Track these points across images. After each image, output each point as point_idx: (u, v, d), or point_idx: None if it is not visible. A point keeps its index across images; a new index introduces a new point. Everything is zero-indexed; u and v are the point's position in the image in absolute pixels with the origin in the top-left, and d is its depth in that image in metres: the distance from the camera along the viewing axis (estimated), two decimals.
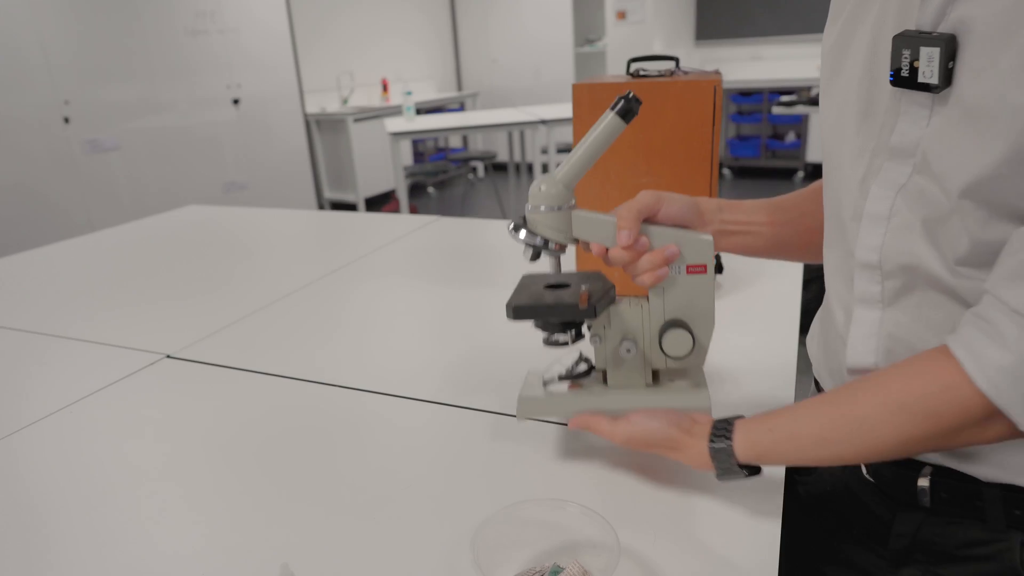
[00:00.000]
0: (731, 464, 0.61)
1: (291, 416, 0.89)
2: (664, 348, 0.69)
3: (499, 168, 7.48)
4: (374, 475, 0.75)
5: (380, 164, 6.11)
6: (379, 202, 6.09)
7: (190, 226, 1.95)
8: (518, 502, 0.63)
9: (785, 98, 5.95)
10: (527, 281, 0.76)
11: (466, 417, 0.86)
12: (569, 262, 1.19)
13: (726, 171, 6.59)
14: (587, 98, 1.15)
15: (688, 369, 0.75)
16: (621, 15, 6.16)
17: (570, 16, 6.87)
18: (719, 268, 1.30)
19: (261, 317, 1.22)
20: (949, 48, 0.49)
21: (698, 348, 0.70)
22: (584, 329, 0.72)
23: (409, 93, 4.69)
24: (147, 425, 0.88)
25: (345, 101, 6.08)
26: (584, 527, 0.62)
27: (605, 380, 0.75)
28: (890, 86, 0.53)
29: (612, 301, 0.71)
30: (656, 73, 1.19)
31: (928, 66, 0.50)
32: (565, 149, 4.94)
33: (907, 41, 0.51)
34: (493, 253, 1.54)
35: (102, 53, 3.77)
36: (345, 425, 0.86)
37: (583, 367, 0.76)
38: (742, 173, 6.57)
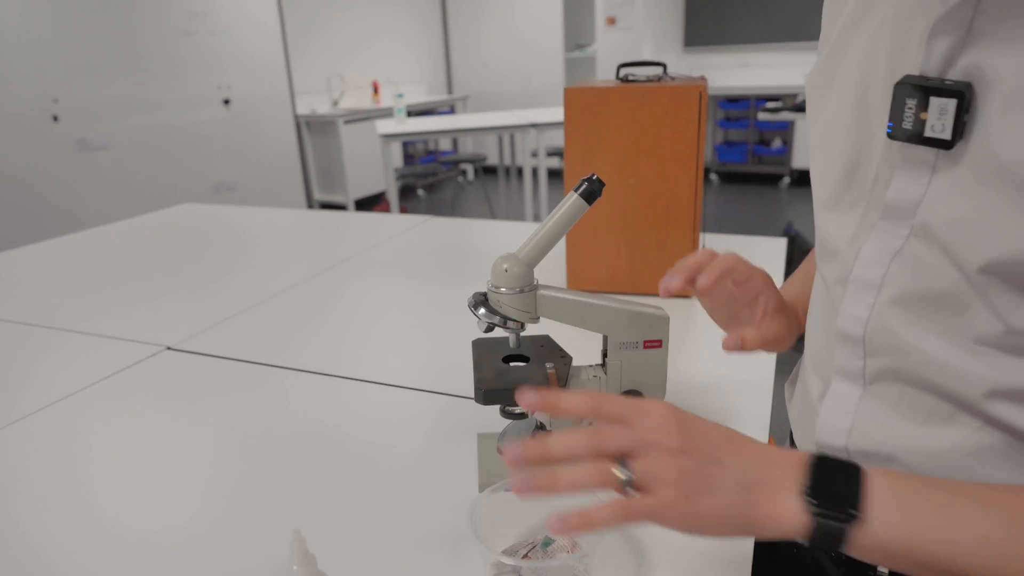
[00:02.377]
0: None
1: (290, 404, 0.92)
2: None
3: (489, 171, 7.52)
4: (372, 456, 0.78)
5: (370, 166, 6.13)
6: (368, 204, 6.10)
7: (185, 224, 1.97)
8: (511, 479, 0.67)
9: (771, 104, 6.04)
10: (481, 352, 0.76)
11: (457, 404, 0.89)
12: (557, 276, 1.23)
13: (713, 176, 6.67)
14: (579, 101, 1.18)
15: None
16: (611, 21, 6.22)
17: (560, 21, 6.94)
18: None
19: (259, 311, 1.25)
20: (965, 100, 0.42)
21: None
22: None
23: (401, 95, 4.71)
24: (150, 412, 0.91)
25: (336, 103, 6.09)
26: (574, 503, 0.66)
27: None
28: (884, 136, 0.47)
29: (572, 374, 0.72)
30: (645, 78, 1.23)
31: (939, 120, 0.43)
32: (555, 152, 4.98)
33: (912, 90, 0.44)
34: (482, 252, 1.58)
35: (93, 51, 3.77)
36: (344, 411, 0.89)
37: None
38: (729, 178, 6.65)
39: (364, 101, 6.43)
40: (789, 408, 0.69)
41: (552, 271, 1.21)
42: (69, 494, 0.74)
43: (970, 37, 0.42)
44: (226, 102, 4.58)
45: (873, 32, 0.50)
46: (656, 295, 0.64)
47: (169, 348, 1.11)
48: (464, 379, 0.95)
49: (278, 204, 4.98)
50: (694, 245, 1.21)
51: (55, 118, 3.64)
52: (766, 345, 0.66)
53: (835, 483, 0.43)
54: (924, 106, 0.44)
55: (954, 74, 0.43)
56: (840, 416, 0.54)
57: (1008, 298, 0.42)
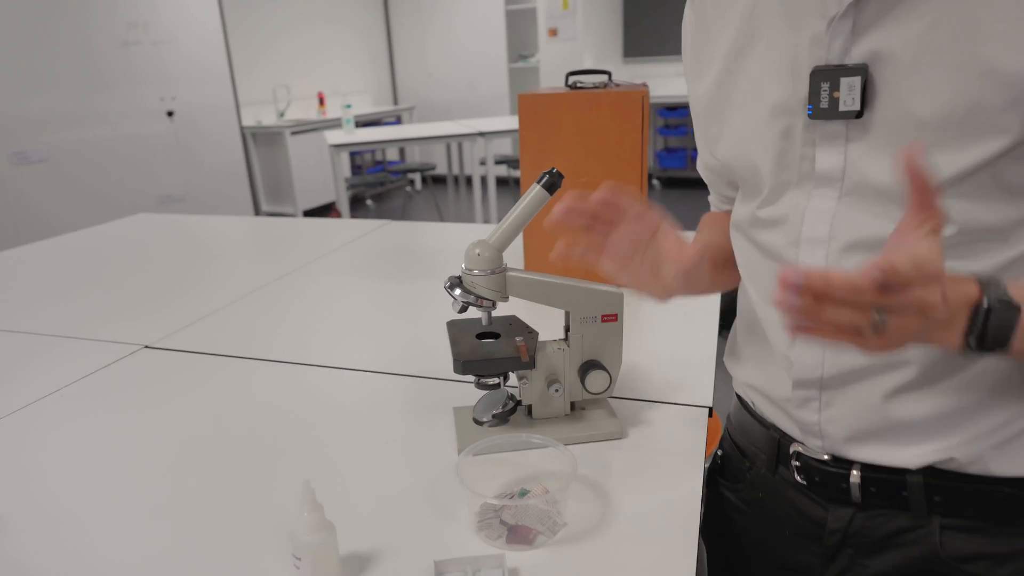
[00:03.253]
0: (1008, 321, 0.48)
1: (276, 391, 0.98)
2: (587, 386, 0.81)
3: (438, 180, 7.58)
4: (356, 433, 0.85)
5: (317, 177, 6.11)
6: (316, 214, 6.08)
7: (144, 232, 1.98)
8: (492, 439, 0.75)
9: None
10: (456, 331, 0.85)
11: (425, 384, 0.97)
12: (516, 257, 1.32)
13: (655, 182, 6.90)
14: (532, 107, 1.28)
15: (600, 400, 0.87)
16: (553, 32, 6.39)
17: (503, 32, 7.07)
18: None
19: (230, 310, 1.30)
20: (867, 75, 0.54)
21: (612, 383, 0.82)
22: (509, 372, 0.81)
23: (349, 106, 4.74)
24: (135, 404, 0.95)
25: (281, 114, 6.06)
26: (548, 462, 0.74)
27: (530, 413, 0.84)
28: (805, 119, 0.57)
29: (539, 347, 0.81)
30: (591, 85, 1.34)
31: (849, 95, 0.55)
32: (503, 160, 5.09)
33: (827, 74, 0.55)
34: (438, 252, 1.65)
35: (30, 62, 3.68)
36: (322, 396, 0.96)
37: (511, 405, 0.83)
38: (670, 183, 6.89)
39: (310, 112, 6.40)
40: (737, 374, 0.78)
41: (512, 263, 1.29)
42: (58, 487, 0.79)
43: (855, 35, 0.55)
44: (170, 113, 4.51)
45: (763, 53, 0.62)
46: (604, 282, 0.73)
47: (147, 347, 1.14)
48: (430, 362, 1.02)
49: (226, 215, 4.92)
50: None
51: None
52: (686, 272, 0.72)
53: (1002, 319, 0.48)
54: (836, 87, 0.56)
55: (851, 60, 0.55)
56: (812, 354, 0.63)
57: (950, 204, 0.51)
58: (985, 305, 0.48)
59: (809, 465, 0.68)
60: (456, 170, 6.82)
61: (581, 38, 6.27)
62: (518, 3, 7.17)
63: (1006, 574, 0.61)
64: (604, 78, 1.37)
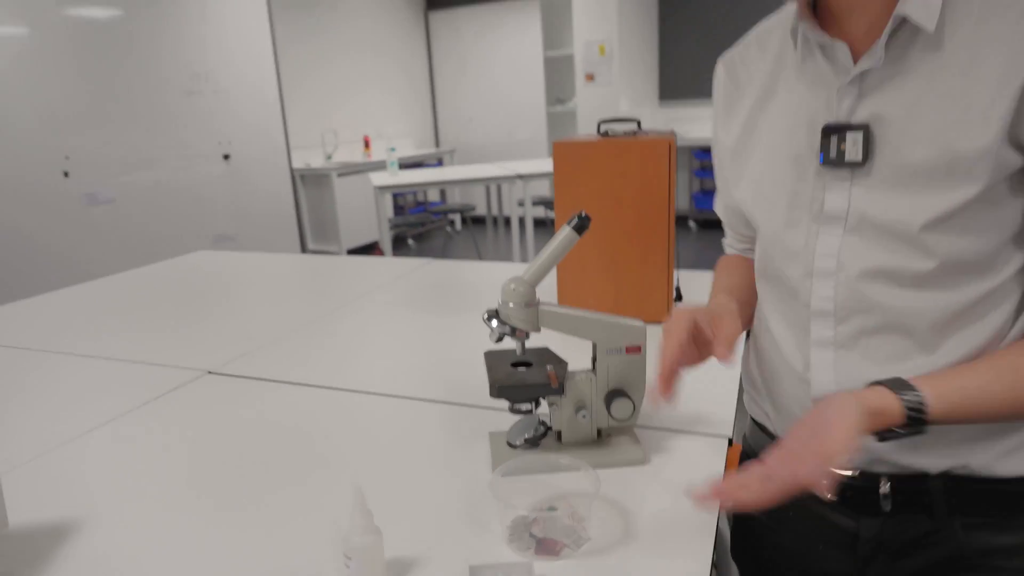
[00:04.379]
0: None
1: (327, 415, 1.06)
2: (612, 413, 0.87)
3: (477, 221, 7.75)
4: (398, 454, 0.93)
5: (361, 217, 6.33)
6: (360, 253, 6.28)
7: (202, 268, 2.12)
8: (523, 458, 0.82)
9: None
10: (493, 360, 0.92)
11: (463, 411, 1.04)
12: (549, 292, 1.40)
13: (691, 223, 6.94)
14: (566, 154, 1.37)
15: (625, 427, 0.93)
16: (590, 77, 6.57)
17: (542, 78, 7.29)
18: (679, 297, 1.52)
19: (283, 341, 1.40)
20: (868, 132, 0.66)
21: (636, 411, 0.88)
22: (542, 399, 0.88)
23: (393, 149, 4.95)
24: (199, 424, 1.05)
25: (329, 157, 6.33)
26: (575, 483, 0.81)
27: (559, 438, 0.90)
28: (817, 167, 0.70)
29: (568, 375, 0.87)
30: (622, 132, 1.43)
31: (853, 147, 0.67)
32: (540, 202, 5.21)
33: (836, 130, 0.68)
34: (477, 289, 1.74)
35: (103, 111, 3.97)
36: (370, 420, 1.04)
37: (542, 430, 0.90)
38: (706, 225, 6.92)
39: (356, 155, 6.67)
40: (757, 400, 0.86)
41: (546, 298, 1.37)
42: (135, 493, 0.88)
43: (860, 99, 0.68)
44: (226, 157, 4.78)
45: (783, 109, 0.74)
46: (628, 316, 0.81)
47: (210, 372, 1.25)
48: (468, 391, 1.10)
49: (275, 253, 5.13)
50: (669, 280, 1.38)
51: (66, 174, 3.81)
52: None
53: (914, 403, 0.62)
54: (842, 140, 0.68)
55: (856, 119, 0.67)
56: (825, 373, 0.73)
57: (937, 239, 0.63)
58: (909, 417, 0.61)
59: (843, 483, 0.75)
60: (495, 211, 6.98)
61: (617, 83, 6.43)
62: (556, 50, 7.40)
63: (1019, 564, 0.69)
64: (634, 126, 1.46)
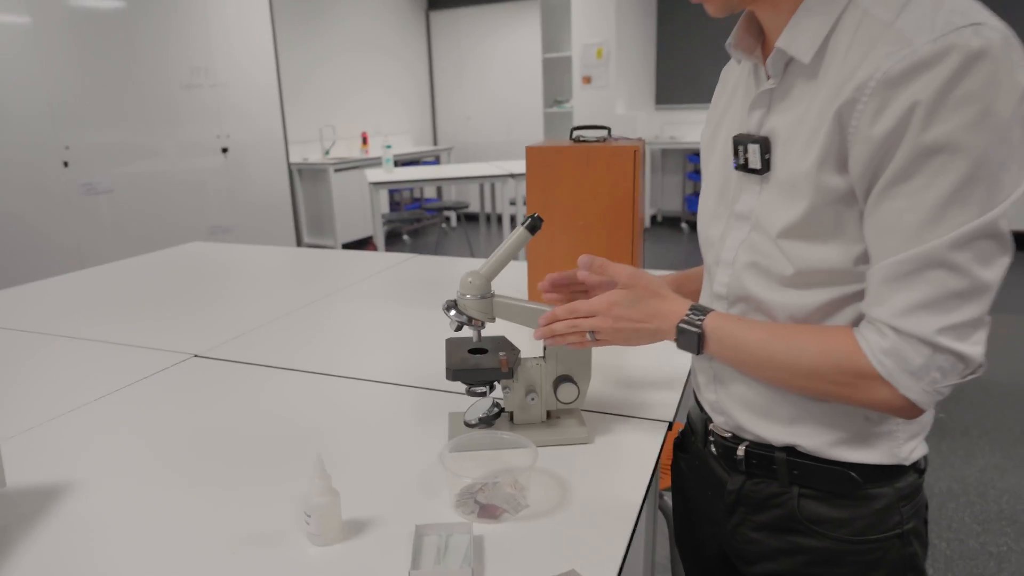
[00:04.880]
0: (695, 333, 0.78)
1: (302, 396, 1.15)
2: (558, 396, 0.95)
3: (471, 218, 7.83)
4: (367, 430, 1.02)
5: (357, 212, 6.41)
6: (355, 247, 6.36)
7: (197, 259, 2.20)
8: (471, 435, 0.90)
9: None
10: (452, 346, 1.01)
11: (430, 394, 1.13)
12: (519, 287, 1.48)
13: (684, 225, 7.02)
14: (538, 159, 1.46)
15: (572, 410, 1.01)
16: (587, 80, 6.65)
17: (540, 79, 7.37)
18: None
19: (268, 328, 1.48)
20: (765, 145, 0.73)
21: (581, 395, 0.97)
22: (496, 383, 0.97)
23: (389, 146, 5.03)
24: (186, 404, 1.13)
25: (327, 152, 6.41)
26: (520, 459, 0.89)
27: (512, 419, 0.98)
28: (735, 171, 0.78)
29: (519, 362, 0.96)
30: (593, 139, 1.51)
31: (753, 156, 0.74)
32: None
33: (741, 140, 0.76)
34: (456, 283, 1.82)
35: (102, 103, 4.05)
36: (342, 401, 1.12)
37: (495, 411, 0.99)
38: None
39: (353, 151, 6.75)
40: (693, 372, 0.97)
41: (518, 292, 1.46)
42: (121, 464, 0.96)
43: (769, 113, 0.75)
44: (224, 150, 4.85)
45: (731, 117, 0.84)
46: None
47: (196, 355, 1.33)
48: (436, 376, 1.18)
49: (270, 246, 5.21)
50: None
51: (65, 164, 3.89)
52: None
53: (688, 341, 0.79)
54: (746, 149, 0.76)
55: (763, 132, 0.75)
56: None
57: (789, 246, 0.72)
58: (680, 327, 0.80)
59: (718, 440, 0.88)
60: (488, 209, 7.06)
61: (614, 85, 6.51)
62: (554, 52, 7.48)
63: (843, 534, 0.79)
64: (604, 133, 1.54)
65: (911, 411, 0.69)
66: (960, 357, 0.65)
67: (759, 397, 0.81)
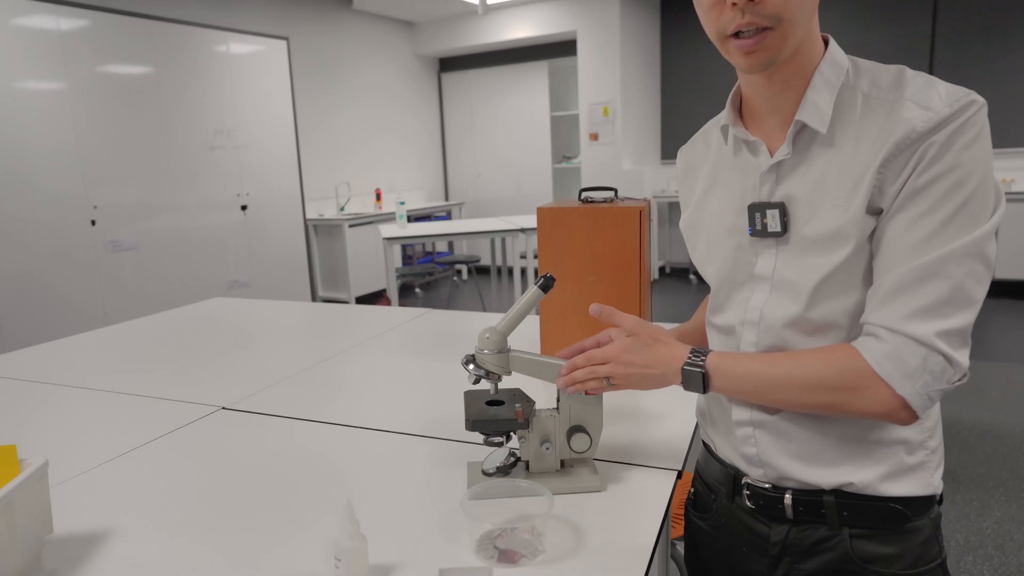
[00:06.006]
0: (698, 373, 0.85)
1: (321, 445, 1.20)
2: (572, 446, 1.00)
3: (482, 271, 7.95)
4: (388, 479, 1.06)
5: (370, 266, 6.54)
6: (368, 301, 6.46)
7: (218, 314, 2.29)
8: (490, 483, 0.95)
9: None
10: (470, 398, 1.07)
11: (448, 445, 1.18)
12: (531, 340, 1.54)
13: (692, 277, 7.09)
14: (548, 218, 1.54)
15: (585, 459, 1.05)
16: (594, 136, 6.85)
17: (548, 136, 7.59)
18: None
19: (291, 381, 1.54)
20: (783, 210, 0.82)
21: (593, 445, 1.01)
22: (512, 433, 1.02)
23: (403, 203, 5.18)
24: (213, 454, 1.19)
25: (342, 208, 6.58)
26: (536, 507, 0.93)
27: (527, 468, 1.02)
28: (749, 237, 0.86)
29: (534, 413, 1.01)
30: (601, 199, 1.59)
31: (773, 221, 0.83)
32: None
33: (757, 208, 0.84)
34: (471, 337, 1.88)
35: (130, 164, 4.23)
36: (365, 451, 1.17)
37: (512, 460, 1.04)
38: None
39: (367, 206, 6.93)
40: (703, 425, 1.03)
41: (531, 347, 1.52)
42: (156, 511, 1.02)
43: (778, 182, 0.84)
44: (243, 208, 5.02)
45: (722, 195, 0.92)
46: None
47: (224, 408, 1.39)
48: (454, 427, 1.23)
49: (285, 300, 5.32)
50: None
51: (93, 222, 4.04)
52: None
53: (693, 380, 0.86)
54: (764, 216, 0.84)
55: (775, 199, 0.84)
56: (743, 406, 0.91)
57: (824, 295, 0.80)
58: (684, 370, 0.86)
59: (756, 492, 0.90)
60: (499, 262, 7.18)
61: (620, 142, 6.70)
62: (562, 110, 7.72)
63: (897, 570, 0.83)
64: (611, 194, 1.62)
65: (906, 414, 0.76)
66: (950, 361, 0.73)
67: (806, 444, 0.85)
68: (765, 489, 0.89)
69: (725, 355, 0.86)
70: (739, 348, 0.90)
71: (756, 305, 0.87)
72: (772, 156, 0.84)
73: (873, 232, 0.77)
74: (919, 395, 0.74)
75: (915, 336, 0.73)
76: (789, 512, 0.87)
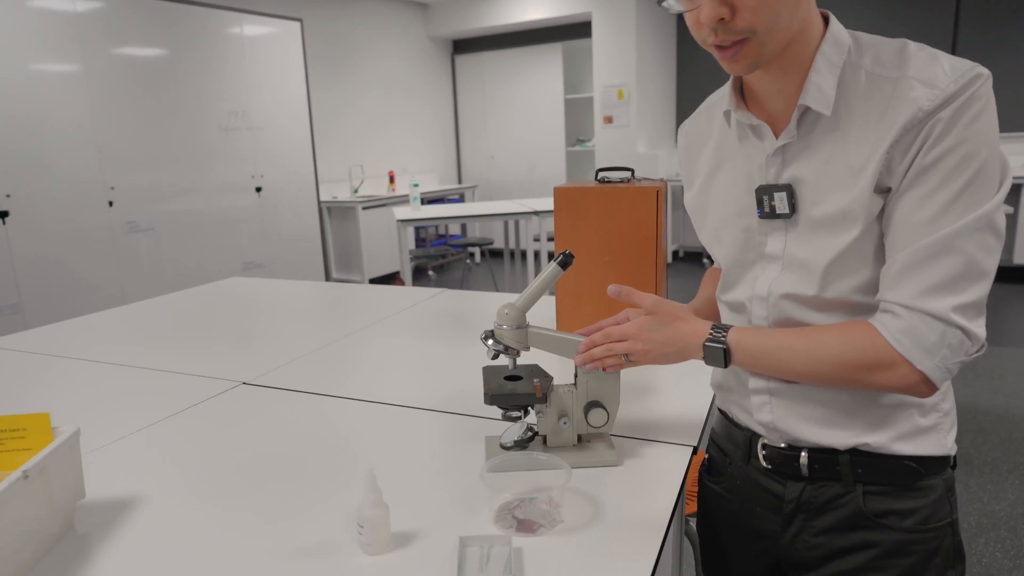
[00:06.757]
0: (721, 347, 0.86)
1: (342, 419, 1.22)
2: (589, 420, 1.02)
3: (495, 254, 7.96)
4: (408, 453, 1.08)
5: (384, 248, 6.57)
6: (381, 283, 6.49)
7: (236, 293, 2.32)
8: (509, 455, 0.97)
9: None
10: (489, 373, 1.08)
11: (466, 420, 1.19)
12: (548, 317, 1.55)
13: (706, 260, 7.06)
14: (565, 198, 1.54)
15: (602, 434, 1.07)
16: (608, 119, 6.81)
17: (562, 119, 7.55)
18: None
19: (309, 358, 1.57)
20: (791, 192, 0.83)
21: (610, 420, 1.03)
22: (530, 408, 1.04)
23: (416, 185, 5.18)
24: (236, 426, 1.22)
25: (355, 191, 6.60)
26: (554, 479, 0.95)
27: (545, 442, 1.04)
28: (757, 219, 0.86)
29: (552, 388, 1.02)
30: (617, 179, 1.60)
31: (781, 203, 0.83)
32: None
33: (764, 191, 0.85)
34: (489, 316, 1.90)
35: (146, 145, 4.26)
36: (386, 425, 1.19)
37: (529, 434, 1.05)
38: None
39: (381, 189, 6.94)
40: (719, 394, 1.04)
41: (547, 323, 1.53)
42: (179, 482, 1.04)
43: (785, 164, 0.84)
44: (258, 189, 5.05)
45: (728, 177, 0.92)
46: None
47: (245, 383, 1.42)
48: (471, 402, 1.25)
49: (302, 280, 5.37)
50: None
51: (110, 203, 4.08)
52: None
53: (714, 354, 0.87)
54: (771, 199, 0.84)
55: (781, 181, 0.84)
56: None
57: (836, 274, 0.81)
58: (706, 346, 0.87)
59: (771, 453, 0.92)
60: (512, 245, 7.18)
61: (634, 125, 6.65)
62: (576, 93, 7.67)
63: (909, 524, 0.85)
64: (628, 174, 1.62)
65: (926, 388, 0.77)
66: (968, 334, 0.74)
67: (820, 409, 0.87)
68: (781, 448, 0.91)
69: (746, 330, 0.87)
70: (750, 323, 0.92)
71: (764, 283, 0.88)
72: (777, 138, 0.84)
73: (882, 211, 0.78)
74: (938, 368, 0.75)
75: (932, 312, 0.74)
76: (805, 470, 0.89)
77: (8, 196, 3.59)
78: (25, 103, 3.64)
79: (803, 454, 0.89)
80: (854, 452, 0.86)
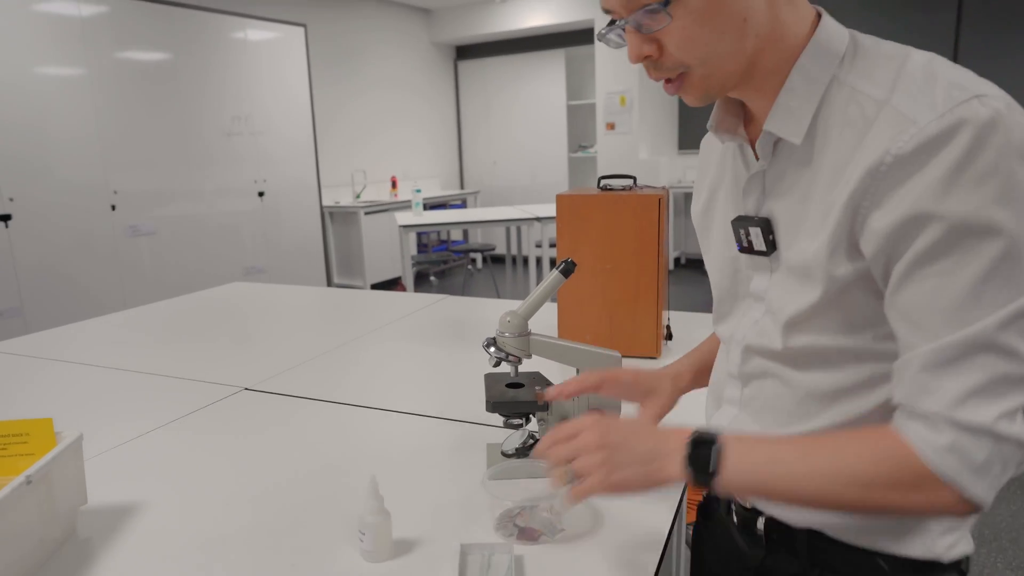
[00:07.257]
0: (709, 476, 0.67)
1: (343, 426, 1.22)
2: None
3: (497, 260, 7.97)
4: (410, 460, 1.09)
5: (385, 253, 6.58)
6: (383, 288, 6.50)
7: (238, 298, 2.32)
8: (509, 463, 0.97)
9: None
10: (491, 381, 1.08)
11: (467, 427, 1.20)
12: (548, 324, 1.56)
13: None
14: (567, 206, 1.55)
15: None
16: (611, 126, 6.82)
17: (564, 125, 7.57)
18: (669, 336, 1.66)
19: (311, 364, 1.57)
20: (767, 227, 0.70)
21: None
22: (532, 415, 1.03)
23: (419, 191, 5.20)
24: (238, 432, 1.22)
25: (358, 196, 6.62)
26: (551, 486, 0.95)
27: None
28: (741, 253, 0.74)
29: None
30: (620, 187, 1.60)
31: (756, 239, 0.71)
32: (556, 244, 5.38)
33: (740, 223, 0.73)
34: (491, 323, 1.90)
35: (149, 149, 4.28)
36: (387, 432, 1.20)
37: (531, 442, 1.05)
38: None
39: (383, 194, 6.96)
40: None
41: (548, 331, 1.53)
42: (180, 487, 1.04)
43: (766, 194, 0.72)
44: (261, 194, 5.06)
45: (726, 195, 0.82)
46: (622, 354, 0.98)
47: (246, 388, 1.42)
48: (473, 410, 1.25)
49: (304, 286, 5.37)
50: (658, 319, 1.53)
51: (113, 207, 4.09)
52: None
53: (701, 454, 0.67)
54: (748, 232, 0.73)
55: (761, 213, 0.72)
56: (721, 421, 0.84)
57: (799, 331, 0.70)
58: (688, 450, 0.67)
59: (739, 509, 0.85)
60: (514, 251, 7.19)
61: (636, 131, 6.66)
62: (579, 99, 7.69)
63: None
64: (630, 182, 1.63)
65: (971, 511, 0.62)
66: (1021, 444, 0.59)
67: None
68: (747, 510, 0.83)
69: (743, 436, 0.71)
70: (726, 368, 0.84)
71: (748, 324, 0.78)
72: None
73: (863, 280, 0.64)
74: (991, 489, 0.60)
75: (976, 425, 0.59)
76: (762, 538, 0.81)
77: (11, 200, 3.60)
78: (28, 107, 3.66)
79: (760, 520, 0.80)
80: (810, 532, 0.75)
